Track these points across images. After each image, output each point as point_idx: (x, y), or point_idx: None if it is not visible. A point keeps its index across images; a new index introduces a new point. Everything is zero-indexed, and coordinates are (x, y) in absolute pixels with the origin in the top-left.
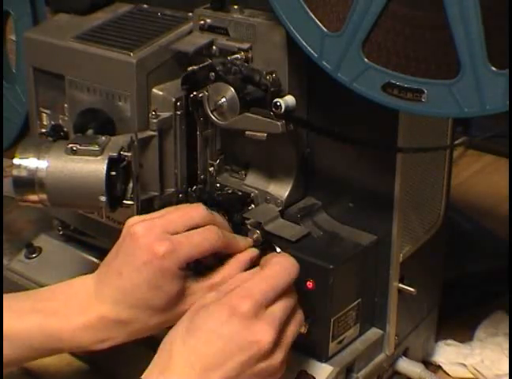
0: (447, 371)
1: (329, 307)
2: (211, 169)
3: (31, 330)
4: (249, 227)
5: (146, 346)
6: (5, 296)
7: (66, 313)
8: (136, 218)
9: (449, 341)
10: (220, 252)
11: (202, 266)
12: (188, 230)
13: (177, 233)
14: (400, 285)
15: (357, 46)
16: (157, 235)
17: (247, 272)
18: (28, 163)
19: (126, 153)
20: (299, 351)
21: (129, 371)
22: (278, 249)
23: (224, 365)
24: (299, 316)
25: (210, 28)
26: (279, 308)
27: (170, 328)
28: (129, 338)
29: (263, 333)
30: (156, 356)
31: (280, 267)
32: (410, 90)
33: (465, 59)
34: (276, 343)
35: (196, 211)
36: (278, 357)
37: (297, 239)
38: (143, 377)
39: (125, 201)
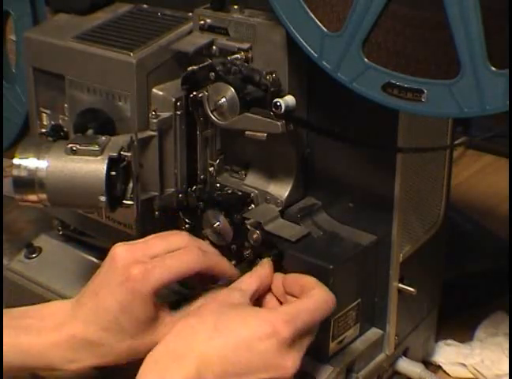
0: (447, 371)
1: None
2: (211, 169)
3: (5, 346)
4: (249, 227)
5: None
6: None
7: (39, 329)
8: (120, 243)
9: (449, 341)
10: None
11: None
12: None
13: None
14: (400, 285)
15: (357, 46)
16: (135, 258)
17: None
18: (28, 163)
19: (126, 153)
20: None
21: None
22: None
23: (244, 376)
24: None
25: (210, 28)
26: (307, 341)
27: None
28: (98, 361)
29: (293, 361)
30: (174, 330)
31: (324, 302)
32: (410, 90)
33: (465, 59)
34: (295, 368)
35: (179, 236)
36: (294, 365)
37: (297, 239)
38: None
39: (125, 201)
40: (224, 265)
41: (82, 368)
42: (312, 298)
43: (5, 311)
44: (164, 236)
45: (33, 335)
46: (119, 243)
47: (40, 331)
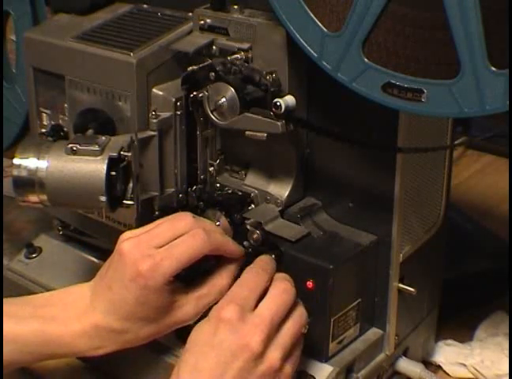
0: (447, 371)
1: (329, 307)
2: (211, 169)
3: (30, 335)
4: (249, 227)
5: (145, 346)
6: (4, 301)
7: (65, 319)
8: (127, 233)
9: (449, 341)
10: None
11: (193, 272)
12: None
13: (163, 246)
14: (400, 285)
15: (357, 46)
16: (142, 252)
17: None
18: (28, 163)
19: (126, 153)
20: None
21: (127, 369)
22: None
23: (224, 375)
24: (298, 313)
25: (210, 28)
26: (266, 308)
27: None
28: (123, 346)
29: (251, 335)
30: None
31: (257, 267)
32: (410, 90)
33: (465, 59)
34: (268, 344)
35: (183, 220)
36: (274, 356)
37: (297, 239)
38: None
39: (125, 201)
40: (229, 245)
41: (109, 352)
42: (245, 271)
43: (25, 299)
44: (169, 222)
45: (59, 325)
46: (126, 235)
47: (66, 321)
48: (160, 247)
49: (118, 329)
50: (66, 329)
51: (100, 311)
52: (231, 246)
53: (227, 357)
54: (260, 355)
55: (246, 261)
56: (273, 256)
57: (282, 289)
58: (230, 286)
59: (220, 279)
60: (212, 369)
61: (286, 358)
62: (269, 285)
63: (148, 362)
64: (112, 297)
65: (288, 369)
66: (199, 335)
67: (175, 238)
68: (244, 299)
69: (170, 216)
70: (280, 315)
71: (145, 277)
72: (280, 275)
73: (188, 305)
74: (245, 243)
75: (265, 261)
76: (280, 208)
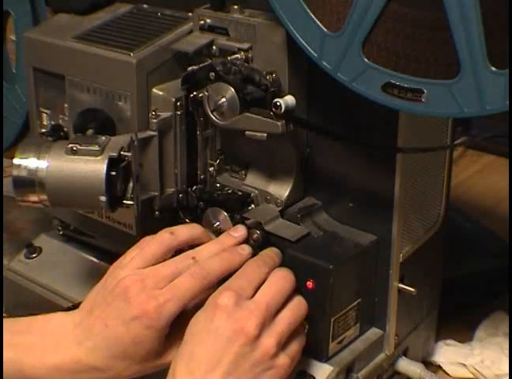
0: (447, 371)
1: (329, 307)
2: (211, 169)
3: (5, 364)
4: (249, 227)
5: None
6: None
7: (41, 349)
8: (121, 268)
9: (449, 341)
10: None
11: None
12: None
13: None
14: (400, 285)
15: (357, 46)
16: (148, 293)
17: None
18: (28, 163)
19: (126, 153)
20: None
21: None
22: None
23: (221, 362)
24: (296, 302)
25: (210, 28)
26: (262, 294)
27: None
28: None
29: (245, 320)
30: None
31: (258, 260)
32: (410, 90)
33: (465, 59)
34: (263, 329)
35: (184, 257)
36: (268, 342)
37: (297, 239)
38: None
39: (125, 201)
40: (232, 264)
41: None
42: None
43: (7, 322)
44: (189, 275)
45: (35, 357)
46: (127, 273)
47: (42, 352)
48: (163, 286)
49: (102, 367)
50: (42, 361)
51: (87, 347)
52: (235, 266)
53: (223, 343)
54: (254, 340)
55: None
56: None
57: (279, 276)
58: None
59: None
60: (208, 357)
61: (281, 346)
62: None
63: None
64: (106, 334)
65: (285, 360)
66: (196, 324)
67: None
68: (241, 287)
69: (171, 260)
70: (277, 301)
71: (150, 318)
72: (281, 268)
73: (175, 348)
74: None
75: (267, 255)
76: (280, 208)
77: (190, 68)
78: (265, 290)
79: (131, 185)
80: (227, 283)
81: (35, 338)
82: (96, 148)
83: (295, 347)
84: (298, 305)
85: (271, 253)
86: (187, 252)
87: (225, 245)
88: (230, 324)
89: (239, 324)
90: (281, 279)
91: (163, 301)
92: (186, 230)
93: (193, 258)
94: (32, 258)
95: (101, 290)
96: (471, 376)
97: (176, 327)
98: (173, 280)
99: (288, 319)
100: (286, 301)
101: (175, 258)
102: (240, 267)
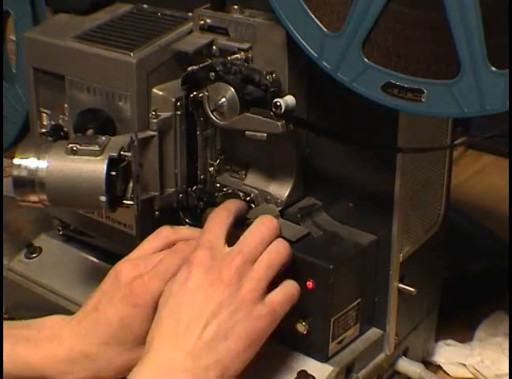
0: (447, 371)
1: (329, 307)
2: (211, 169)
3: (4, 356)
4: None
5: None
6: None
7: (37, 340)
8: (126, 261)
9: (449, 341)
10: None
11: None
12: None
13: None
14: (400, 285)
15: (357, 46)
16: (138, 274)
17: None
18: (28, 163)
19: (126, 153)
20: (299, 351)
21: None
22: None
23: (201, 313)
24: (274, 245)
25: (210, 28)
26: (237, 245)
27: None
28: (93, 375)
29: (222, 270)
30: None
31: (214, 214)
32: (410, 90)
33: (465, 59)
34: (241, 276)
35: (164, 232)
36: (246, 289)
37: (297, 239)
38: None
39: (125, 201)
40: None
41: None
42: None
43: (6, 323)
44: (172, 253)
45: (31, 347)
46: (124, 261)
47: (38, 342)
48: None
49: (93, 354)
50: (36, 351)
51: (79, 334)
52: None
53: (201, 295)
54: (233, 288)
55: None
56: None
57: (258, 222)
58: None
59: None
60: (190, 312)
61: (260, 293)
62: None
63: None
64: (97, 318)
65: (264, 310)
66: (174, 282)
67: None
68: (210, 241)
69: (170, 250)
70: (254, 247)
71: (137, 297)
72: (262, 215)
73: None
74: None
75: (223, 206)
76: (280, 208)
77: (190, 68)
78: (241, 239)
79: (131, 185)
80: (198, 241)
81: (33, 331)
82: (96, 148)
83: (276, 297)
84: (276, 248)
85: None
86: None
87: None
88: (208, 277)
89: (216, 274)
90: (260, 226)
91: (148, 279)
92: (187, 229)
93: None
94: (32, 258)
95: (100, 285)
96: (471, 376)
97: None
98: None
99: (265, 263)
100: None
101: (177, 253)
102: None
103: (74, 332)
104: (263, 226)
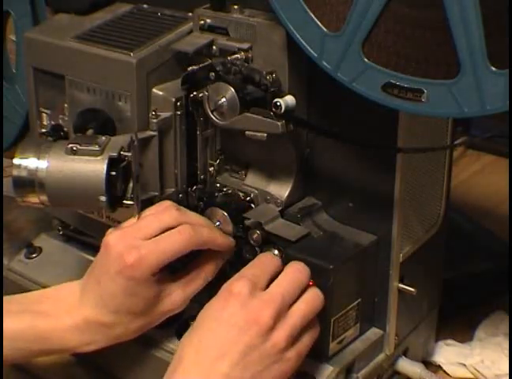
0: (447, 371)
1: (329, 307)
2: (211, 169)
3: (21, 330)
4: (249, 226)
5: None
6: None
7: (56, 314)
8: (112, 228)
9: (449, 341)
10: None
11: (179, 264)
12: (162, 232)
13: (149, 238)
14: (400, 285)
15: (357, 46)
16: (127, 244)
17: None
18: (28, 163)
19: (126, 153)
20: None
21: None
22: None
23: (230, 351)
24: (311, 294)
25: (210, 28)
26: (277, 285)
27: None
28: (114, 341)
29: (260, 310)
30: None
31: (267, 254)
32: (410, 90)
33: (465, 59)
34: (276, 321)
35: (167, 213)
36: (281, 335)
37: (297, 239)
38: None
39: (125, 201)
40: (216, 240)
41: (99, 348)
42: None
43: (17, 296)
44: (154, 214)
45: (50, 320)
46: (111, 229)
47: (57, 316)
48: (146, 239)
49: (108, 323)
50: (57, 324)
51: (90, 306)
52: (218, 240)
53: (234, 332)
54: (267, 332)
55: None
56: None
57: (295, 268)
58: (215, 272)
59: (206, 265)
60: (218, 346)
61: (293, 340)
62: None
63: (141, 357)
64: (101, 291)
65: (292, 354)
66: (208, 311)
67: (161, 231)
68: (256, 276)
69: (153, 207)
70: (292, 293)
71: (132, 268)
72: (296, 261)
73: (175, 293)
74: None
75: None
76: (280, 208)
77: (190, 68)
78: (280, 282)
79: (131, 185)
80: (242, 272)
81: (49, 305)
82: (96, 148)
83: (305, 342)
84: (313, 297)
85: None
86: (171, 203)
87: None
88: (243, 314)
89: (253, 315)
90: (296, 272)
91: (146, 252)
92: (194, 215)
93: (178, 209)
94: (32, 258)
95: (97, 256)
96: (471, 376)
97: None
98: (154, 231)
99: (302, 312)
100: (301, 294)
101: (159, 214)
102: (229, 248)
103: (86, 304)
104: (299, 272)
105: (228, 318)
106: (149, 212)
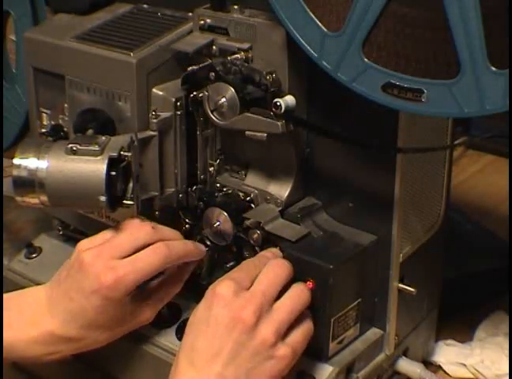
0: (447, 371)
1: (329, 307)
2: (211, 169)
3: None
4: (249, 226)
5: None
6: None
7: (20, 324)
8: (85, 242)
9: (449, 341)
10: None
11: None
12: (136, 250)
13: (126, 256)
14: (400, 285)
15: (357, 46)
16: (104, 263)
17: None
18: (28, 163)
19: (126, 153)
20: None
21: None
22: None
23: (221, 351)
24: (296, 290)
25: (210, 28)
26: (258, 283)
27: None
28: (79, 351)
29: (242, 309)
30: None
31: (256, 258)
32: (410, 90)
33: (465, 59)
34: (260, 317)
35: (142, 231)
36: (266, 331)
37: (297, 239)
38: None
39: (125, 201)
40: (189, 253)
41: (63, 358)
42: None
43: None
44: (129, 232)
45: (14, 332)
46: (84, 245)
47: (21, 327)
48: (121, 258)
49: (76, 337)
50: (21, 335)
51: (58, 319)
52: (193, 253)
53: (221, 331)
54: (252, 328)
55: None
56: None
57: (274, 264)
58: (182, 284)
59: (175, 281)
60: (208, 347)
61: (282, 336)
62: None
63: (141, 357)
64: (72, 307)
65: (286, 351)
66: (196, 314)
67: (136, 249)
68: (240, 277)
69: (127, 223)
70: (273, 289)
71: (108, 289)
72: (276, 258)
73: (145, 309)
74: (245, 244)
75: (264, 255)
76: (280, 208)
77: (190, 68)
78: (260, 279)
79: (131, 185)
80: (227, 275)
81: (13, 316)
82: (96, 148)
83: (296, 337)
84: (297, 293)
85: (267, 253)
86: (145, 221)
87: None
88: (228, 313)
89: (236, 313)
90: (276, 268)
91: (123, 273)
92: (168, 230)
93: (153, 228)
94: (32, 258)
95: (66, 264)
96: (471, 376)
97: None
98: (130, 249)
99: (287, 307)
100: (286, 289)
101: (134, 231)
102: (201, 257)
103: (53, 316)
104: (278, 268)
105: (215, 318)
106: (123, 227)
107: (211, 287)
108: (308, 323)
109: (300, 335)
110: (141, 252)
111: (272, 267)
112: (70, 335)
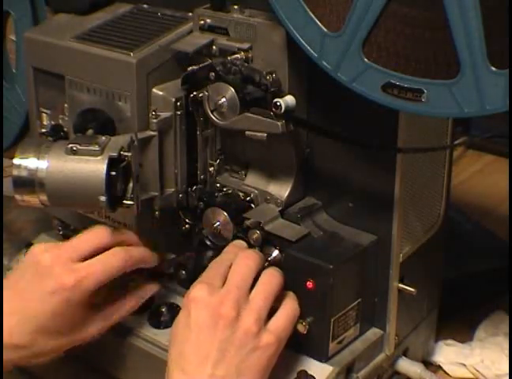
0: (447, 371)
1: (329, 307)
2: (211, 169)
3: None
4: (249, 226)
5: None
6: None
7: None
8: (40, 246)
9: (449, 341)
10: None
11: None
12: (96, 253)
13: (83, 259)
14: (400, 285)
15: (357, 46)
16: (64, 265)
17: None
18: (28, 163)
19: (126, 153)
20: (299, 351)
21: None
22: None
23: (208, 353)
24: (267, 275)
25: (210, 28)
26: (230, 278)
27: None
28: (20, 362)
29: (220, 305)
30: None
31: (221, 255)
32: (410, 90)
33: (465, 59)
34: (239, 310)
35: (99, 234)
36: (247, 321)
37: (297, 239)
38: None
39: (125, 201)
40: (145, 258)
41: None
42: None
43: None
44: (86, 236)
45: None
46: (39, 247)
47: None
48: (80, 261)
49: (25, 344)
50: None
51: (8, 325)
52: (148, 260)
53: (205, 333)
54: (234, 322)
55: None
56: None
57: (243, 256)
58: (136, 305)
59: (129, 300)
60: (195, 351)
61: (263, 323)
62: None
63: (141, 357)
64: (26, 310)
65: (269, 338)
66: (177, 323)
67: (95, 252)
68: (210, 278)
69: (88, 230)
70: (246, 281)
71: (69, 291)
72: (244, 250)
73: (95, 323)
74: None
75: (227, 251)
76: (280, 208)
77: (190, 68)
78: (232, 274)
79: (131, 185)
80: (197, 280)
81: None
82: (96, 148)
83: (278, 321)
84: (269, 278)
85: (232, 248)
86: (105, 227)
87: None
88: (206, 312)
89: (215, 311)
90: (245, 259)
91: (84, 274)
92: (125, 234)
93: (111, 230)
94: None
95: (19, 269)
96: (471, 376)
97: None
98: (87, 252)
99: (262, 293)
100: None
101: (93, 234)
102: (154, 265)
103: (5, 323)
104: (247, 259)
105: (195, 322)
106: (82, 233)
107: (186, 295)
108: (290, 304)
109: (282, 318)
110: (100, 255)
111: (241, 259)
112: (21, 341)
